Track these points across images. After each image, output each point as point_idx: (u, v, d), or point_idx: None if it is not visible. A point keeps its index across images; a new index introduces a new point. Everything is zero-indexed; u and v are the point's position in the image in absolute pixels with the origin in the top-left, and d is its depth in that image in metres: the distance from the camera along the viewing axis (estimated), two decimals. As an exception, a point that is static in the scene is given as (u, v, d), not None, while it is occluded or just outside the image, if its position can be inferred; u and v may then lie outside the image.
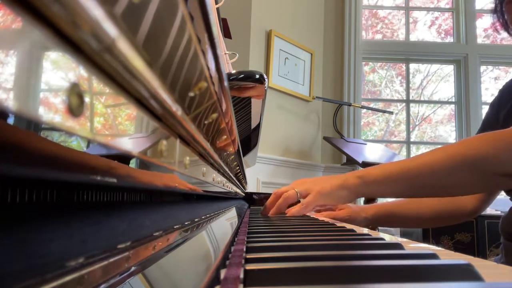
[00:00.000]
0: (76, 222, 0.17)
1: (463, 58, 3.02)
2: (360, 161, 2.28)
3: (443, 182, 0.73)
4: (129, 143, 0.17)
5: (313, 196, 0.82)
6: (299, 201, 0.93)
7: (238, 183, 0.99)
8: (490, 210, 2.37)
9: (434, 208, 0.99)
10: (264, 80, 0.82)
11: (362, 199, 2.21)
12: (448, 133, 3.25)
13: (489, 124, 0.96)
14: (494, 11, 0.87)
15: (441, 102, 3.27)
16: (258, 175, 2.29)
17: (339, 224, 0.67)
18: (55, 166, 0.12)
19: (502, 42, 3.16)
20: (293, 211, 0.84)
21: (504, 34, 0.88)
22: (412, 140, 3.15)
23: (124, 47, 0.13)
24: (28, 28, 0.09)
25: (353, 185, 0.80)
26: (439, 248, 0.39)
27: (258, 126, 1.06)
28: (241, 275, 0.22)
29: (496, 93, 0.99)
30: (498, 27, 0.87)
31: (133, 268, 0.16)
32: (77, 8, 0.10)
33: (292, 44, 2.59)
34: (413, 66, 3.28)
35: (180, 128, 0.25)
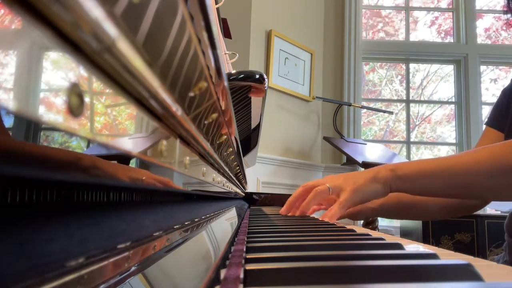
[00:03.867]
0: (76, 222, 0.17)
1: (463, 58, 3.02)
2: (360, 161, 2.28)
3: (484, 184, 0.68)
4: (129, 143, 0.17)
5: (348, 193, 0.75)
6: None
7: (238, 183, 0.98)
8: (490, 210, 2.37)
9: (442, 199, 0.94)
10: (264, 80, 0.82)
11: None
12: (448, 133, 3.26)
13: (500, 110, 0.94)
14: (506, 11, 0.88)
15: (441, 102, 3.27)
16: (258, 175, 2.29)
17: (339, 224, 0.67)
18: (55, 166, 0.12)
19: (504, 42, 3.16)
20: (331, 213, 0.74)
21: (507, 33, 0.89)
22: (412, 140, 3.15)
23: (124, 47, 0.13)
24: (28, 28, 0.09)
25: (385, 178, 0.74)
26: (439, 248, 0.39)
27: (258, 126, 1.05)
28: (241, 275, 0.22)
29: (495, 93, 0.99)
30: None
31: (133, 268, 0.16)
32: (77, 8, 0.10)
33: (292, 44, 2.59)
34: (413, 66, 3.28)
35: (180, 128, 0.25)
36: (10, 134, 0.09)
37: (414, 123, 3.39)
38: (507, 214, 0.91)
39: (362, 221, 2.31)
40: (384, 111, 2.92)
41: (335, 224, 0.63)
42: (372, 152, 2.56)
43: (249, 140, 1.11)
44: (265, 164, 2.35)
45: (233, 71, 0.82)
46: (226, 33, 1.47)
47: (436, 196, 0.89)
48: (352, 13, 2.95)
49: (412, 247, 0.41)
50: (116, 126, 0.15)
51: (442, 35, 3.27)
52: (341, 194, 0.75)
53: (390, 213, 1.00)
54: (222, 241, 0.33)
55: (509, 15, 0.88)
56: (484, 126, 1.02)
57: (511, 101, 0.92)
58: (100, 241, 0.17)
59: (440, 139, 3.31)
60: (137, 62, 0.15)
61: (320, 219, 0.75)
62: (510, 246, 0.88)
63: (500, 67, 3.21)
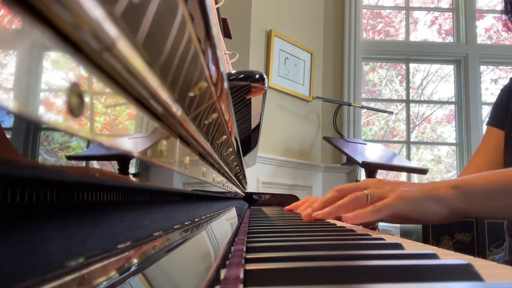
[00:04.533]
0: (76, 222, 0.17)
1: (463, 58, 3.02)
2: (360, 161, 2.29)
3: None
4: (129, 143, 0.17)
5: (392, 199, 0.59)
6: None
7: (238, 183, 0.98)
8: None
9: None
10: (264, 80, 0.82)
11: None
12: (448, 133, 3.26)
13: (501, 109, 0.94)
14: (504, 11, 0.87)
15: (441, 102, 3.27)
16: (258, 175, 2.29)
17: (339, 224, 0.67)
18: (55, 166, 0.12)
19: (505, 42, 3.16)
20: (358, 213, 0.60)
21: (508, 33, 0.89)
22: (412, 140, 3.15)
23: (124, 47, 0.13)
24: (28, 28, 0.09)
25: (446, 197, 0.59)
26: (439, 248, 0.39)
27: (258, 126, 1.05)
28: (241, 275, 0.22)
29: (495, 92, 0.99)
30: (510, 26, 0.87)
31: (133, 268, 0.16)
32: (77, 8, 0.10)
33: (292, 44, 2.59)
34: (413, 66, 3.28)
35: (180, 128, 0.25)
36: (10, 134, 0.09)
37: (414, 123, 3.39)
38: None
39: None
40: (384, 111, 2.92)
41: (335, 224, 0.63)
42: (372, 152, 2.56)
43: (249, 140, 1.11)
44: (265, 164, 2.35)
45: (233, 71, 0.82)
46: (226, 33, 1.47)
47: (505, 219, 0.76)
48: (352, 13, 2.95)
49: (412, 247, 0.41)
50: (116, 126, 0.15)
51: (442, 35, 3.27)
52: (383, 200, 0.60)
53: (398, 219, 0.88)
54: (222, 241, 0.33)
55: (506, 17, 0.88)
56: (485, 127, 1.02)
57: (511, 99, 0.92)
58: (100, 241, 0.17)
59: (440, 139, 3.31)
60: (137, 62, 0.15)
61: (342, 218, 0.63)
62: (510, 246, 0.88)
63: (500, 67, 3.21)
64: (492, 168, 0.89)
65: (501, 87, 0.98)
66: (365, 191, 0.62)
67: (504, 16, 0.88)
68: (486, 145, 0.95)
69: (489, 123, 0.97)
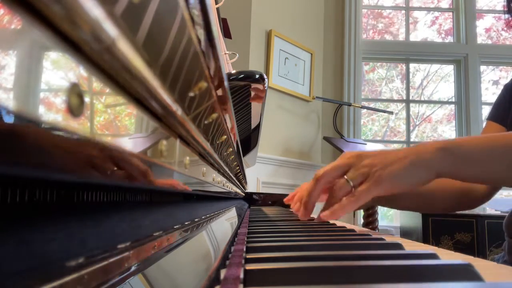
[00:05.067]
0: (76, 222, 0.17)
1: (463, 58, 3.02)
2: (360, 161, 2.28)
3: None
4: (129, 143, 0.17)
5: (371, 183, 0.55)
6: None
7: (238, 183, 0.98)
8: (490, 210, 2.37)
9: (457, 189, 0.82)
10: (264, 80, 0.82)
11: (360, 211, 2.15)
12: (449, 133, 3.26)
13: (503, 105, 0.93)
14: (507, 11, 0.87)
15: (441, 102, 3.27)
16: (258, 175, 2.29)
17: (339, 224, 0.67)
18: (55, 166, 0.12)
19: (505, 42, 3.16)
20: (335, 209, 0.58)
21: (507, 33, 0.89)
22: (412, 140, 3.15)
23: (124, 47, 0.13)
24: (28, 28, 0.09)
25: (434, 160, 0.56)
26: (439, 248, 0.39)
27: (258, 126, 1.05)
28: (241, 275, 0.22)
29: (496, 92, 1.00)
30: None
31: (133, 268, 0.16)
32: (77, 8, 0.10)
33: (292, 44, 2.59)
34: (413, 66, 3.28)
35: (180, 128, 0.25)
36: (10, 134, 0.09)
37: (414, 123, 3.39)
38: (507, 214, 0.91)
39: (362, 221, 2.31)
40: (384, 111, 2.92)
41: (335, 224, 0.63)
42: (372, 152, 2.56)
43: (249, 140, 1.11)
44: (265, 164, 2.35)
45: (233, 71, 0.82)
46: (226, 33, 1.47)
47: (499, 184, 0.73)
48: (352, 13, 2.95)
49: (412, 247, 0.41)
50: (116, 126, 0.15)
51: (442, 35, 3.27)
52: (363, 183, 0.57)
53: (391, 202, 0.84)
54: (222, 241, 0.33)
55: (508, 15, 0.88)
56: (484, 123, 1.02)
57: None
58: (100, 241, 0.17)
59: (440, 139, 3.31)
60: (137, 62, 0.15)
61: (321, 215, 0.61)
62: (509, 245, 0.87)
63: (500, 67, 3.21)
64: None
65: (502, 87, 0.98)
66: (345, 177, 0.59)
67: (506, 15, 0.88)
68: None
69: (490, 118, 0.97)
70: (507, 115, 0.92)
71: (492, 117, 0.96)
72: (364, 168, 0.58)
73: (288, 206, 0.88)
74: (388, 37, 3.29)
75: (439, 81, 3.28)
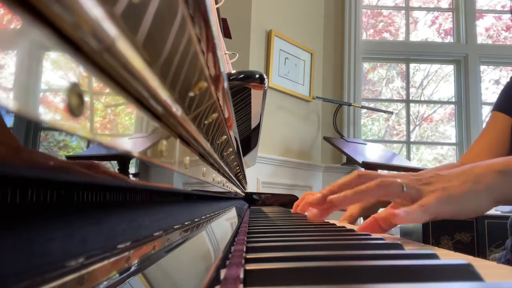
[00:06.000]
0: (76, 222, 0.17)
1: (463, 58, 3.02)
2: (360, 161, 2.29)
3: None
4: (129, 143, 0.17)
5: (435, 199, 0.49)
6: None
7: (238, 183, 0.98)
8: (490, 210, 2.37)
9: None
10: (264, 80, 0.82)
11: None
12: (448, 133, 3.26)
13: (509, 95, 0.92)
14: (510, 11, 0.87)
15: (441, 102, 3.27)
16: (258, 175, 2.29)
17: (339, 224, 0.67)
18: (55, 166, 0.12)
19: (505, 42, 3.16)
20: (408, 211, 0.48)
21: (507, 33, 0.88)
22: (412, 140, 3.15)
23: (124, 47, 0.13)
24: (28, 28, 0.09)
25: (492, 185, 0.51)
26: (439, 248, 0.39)
27: (258, 126, 1.05)
28: (241, 275, 0.22)
29: (496, 92, 0.99)
30: None
31: (133, 268, 0.16)
32: (77, 8, 0.10)
33: (292, 44, 2.59)
34: (413, 66, 3.28)
35: (180, 128, 0.25)
36: (10, 134, 0.09)
37: (415, 123, 3.39)
38: (508, 214, 0.91)
39: (362, 221, 2.31)
40: (384, 111, 2.93)
41: (335, 224, 0.63)
42: (372, 152, 2.56)
43: (249, 140, 1.11)
44: (265, 164, 2.35)
45: (233, 71, 0.82)
46: (226, 33, 1.47)
47: None
48: (352, 13, 2.95)
49: (412, 247, 0.41)
50: (116, 126, 0.15)
51: (442, 35, 3.27)
52: (427, 197, 0.50)
53: (435, 220, 0.73)
54: (222, 241, 0.33)
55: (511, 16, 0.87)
56: (484, 123, 1.01)
57: None
58: (100, 241, 0.17)
59: (441, 139, 3.31)
60: (137, 62, 0.15)
61: (388, 215, 0.50)
62: None
63: (500, 67, 3.21)
64: (497, 153, 0.85)
65: (503, 86, 0.97)
66: (399, 180, 0.51)
67: (510, 15, 0.87)
68: (491, 130, 0.93)
69: (495, 109, 0.95)
70: None
71: (498, 107, 0.93)
72: (422, 182, 0.52)
73: (288, 206, 0.88)
74: (388, 37, 3.29)
75: (439, 81, 3.28)
